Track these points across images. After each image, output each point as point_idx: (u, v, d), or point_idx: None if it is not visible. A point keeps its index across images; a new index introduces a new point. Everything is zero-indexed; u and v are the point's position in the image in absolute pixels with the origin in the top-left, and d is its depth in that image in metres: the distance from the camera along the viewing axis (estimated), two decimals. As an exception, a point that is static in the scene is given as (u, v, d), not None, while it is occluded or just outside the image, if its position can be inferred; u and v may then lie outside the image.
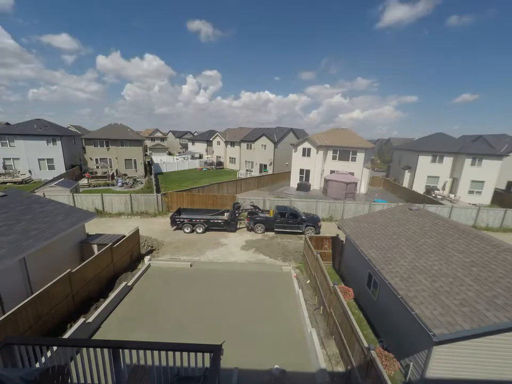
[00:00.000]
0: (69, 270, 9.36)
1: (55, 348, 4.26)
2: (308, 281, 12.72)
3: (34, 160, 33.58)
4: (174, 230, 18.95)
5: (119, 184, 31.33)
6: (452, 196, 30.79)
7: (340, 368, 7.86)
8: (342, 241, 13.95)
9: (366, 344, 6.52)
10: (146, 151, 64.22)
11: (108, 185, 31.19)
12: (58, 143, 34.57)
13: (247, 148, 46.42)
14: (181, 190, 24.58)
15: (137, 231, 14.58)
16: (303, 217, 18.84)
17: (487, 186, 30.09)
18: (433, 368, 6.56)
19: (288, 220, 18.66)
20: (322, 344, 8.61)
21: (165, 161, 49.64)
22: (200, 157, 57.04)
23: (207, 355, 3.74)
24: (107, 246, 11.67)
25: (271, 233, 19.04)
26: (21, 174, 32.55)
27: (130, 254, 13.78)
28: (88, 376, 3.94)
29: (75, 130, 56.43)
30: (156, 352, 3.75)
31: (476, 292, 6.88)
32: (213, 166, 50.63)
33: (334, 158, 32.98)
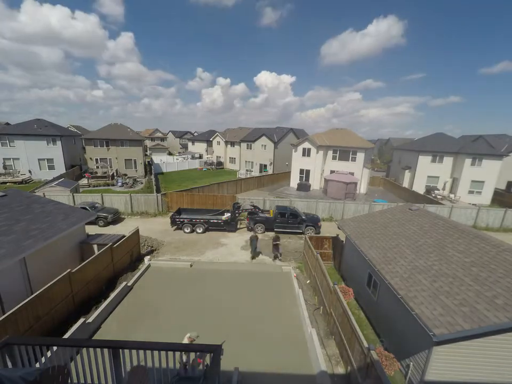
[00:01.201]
0: (69, 270, 9.35)
1: (55, 348, 4.26)
2: (308, 281, 12.72)
3: (34, 160, 33.59)
4: (174, 230, 18.94)
5: (119, 184, 31.34)
6: (452, 196, 30.79)
7: (340, 368, 7.86)
8: (342, 241, 13.95)
9: (366, 344, 6.52)
10: (146, 151, 64.25)
11: (108, 185, 31.21)
12: (58, 143, 34.59)
13: (247, 148, 46.41)
14: (181, 190, 24.57)
15: (137, 231, 14.58)
16: (303, 217, 18.83)
17: (487, 186, 30.09)
18: (433, 368, 6.56)
19: (288, 220, 18.65)
20: (322, 344, 8.60)
21: (165, 161, 49.69)
22: (200, 157, 57.05)
23: (207, 355, 3.75)
24: (107, 246, 11.67)
25: (271, 233, 19.02)
26: (21, 174, 32.56)
27: (130, 254, 13.78)
28: (88, 376, 3.94)
29: (75, 130, 56.47)
30: (156, 352, 3.75)
31: (476, 292, 6.88)
32: (213, 166, 50.61)
33: (334, 158, 32.99)
